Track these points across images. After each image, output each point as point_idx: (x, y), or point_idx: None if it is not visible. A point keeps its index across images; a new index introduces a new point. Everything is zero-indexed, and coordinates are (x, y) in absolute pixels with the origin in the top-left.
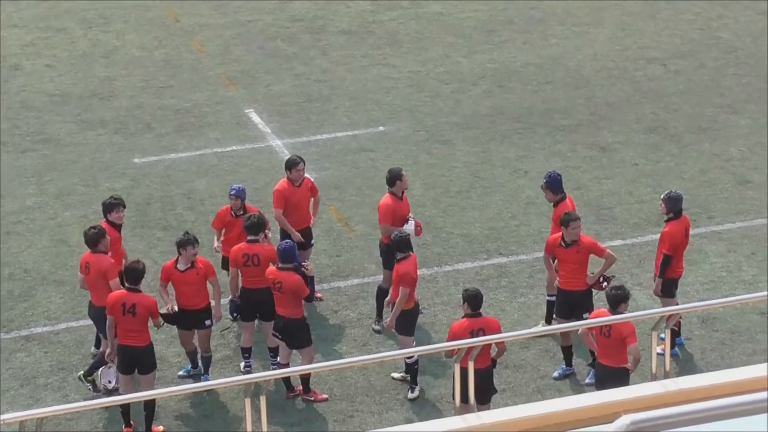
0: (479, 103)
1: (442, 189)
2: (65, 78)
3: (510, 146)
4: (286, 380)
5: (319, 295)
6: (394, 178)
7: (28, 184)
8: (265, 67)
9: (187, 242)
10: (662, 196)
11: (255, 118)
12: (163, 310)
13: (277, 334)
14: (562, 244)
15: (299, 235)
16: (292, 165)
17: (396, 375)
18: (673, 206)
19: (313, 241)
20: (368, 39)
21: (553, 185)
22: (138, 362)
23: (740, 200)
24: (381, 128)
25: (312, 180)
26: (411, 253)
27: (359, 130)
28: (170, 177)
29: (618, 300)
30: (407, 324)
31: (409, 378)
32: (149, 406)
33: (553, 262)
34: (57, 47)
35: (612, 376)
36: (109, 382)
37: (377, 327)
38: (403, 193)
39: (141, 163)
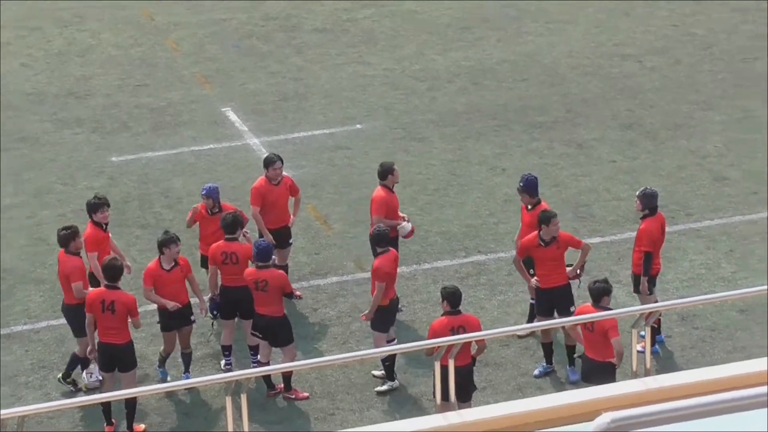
0: (455, 100)
1: (419, 186)
2: (41, 77)
3: (486, 144)
4: (267, 378)
5: (298, 293)
6: (386, 172)
7: (6, 183)
8: (240, 66)
9: (169, 241)
10: (637, 193)
11: (231, 116)
12: (170, 307)
13: (258, 333)
14: (541, 243)
15: (271, 236)
16: (269, 163)
17: (377, 372)
18: (649, 203)
19: (291, 240)
20: (343, 37)
21: (530, 188)
22: (118, 360)
23: (717, 197)
24: (357, 126)
25: (292, 179)
26: (390, 248)
27: (335, 128)
28: (147, 175)
29: (601, 293)
30: (381, 321)
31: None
32: (130, 404)
33: (531, 271)
34: (32, 46)
35: (598, 369)
36: (94, 380)
37: None
38: (393, 186)
39: (118, 162)
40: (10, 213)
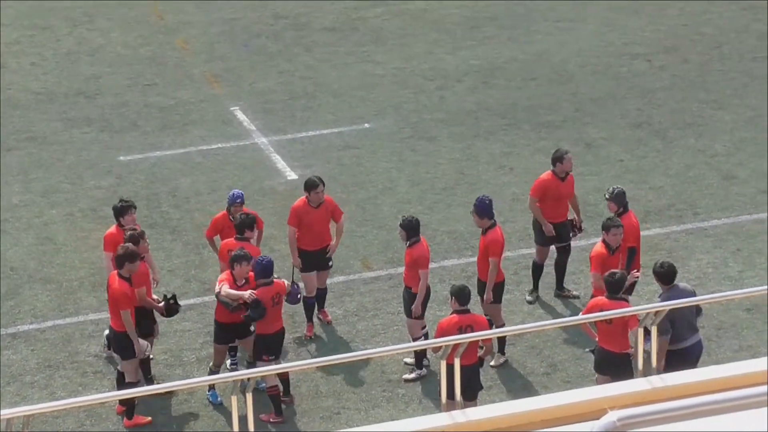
0: (464, 99)
1: (427, 186)
2: (50, 76)
3: (495, 143)
4: (277, 406)
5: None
6: (555, 159)
7: (14, 182)
8: (249, 65)
9: (242, 258)
10: (607, 196)
11: (240, 115)
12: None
13: (273, 356)
14: (609, 251)
15: (299, 261)
16: (311, 187)
17: (408, 360)
18: (621, 201)
19: (331, 263)
20: (352, 36)
21: (482, 210)
22: (115, 345)
23: (726, 196)
24: (366, 125)
25: (336, 203)
26: (421, 237)
27: (344, 127)
28: (155, 175)
29: (617, 284)
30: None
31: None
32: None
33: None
34: (42, 45)
35: (614, 360)
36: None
37: (530, 298)
38: (567, 174)
39: (126, 161)
40: (17, 212)
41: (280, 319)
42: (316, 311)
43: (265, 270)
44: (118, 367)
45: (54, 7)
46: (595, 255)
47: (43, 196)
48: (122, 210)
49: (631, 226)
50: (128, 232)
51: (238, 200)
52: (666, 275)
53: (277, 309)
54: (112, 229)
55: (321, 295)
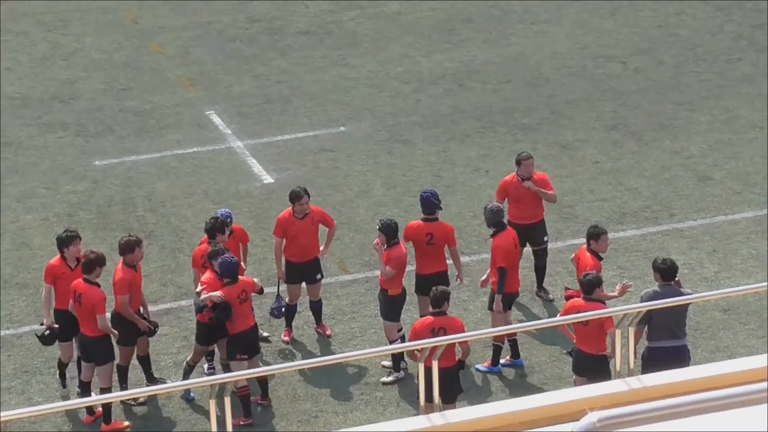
0: (439, 102)
1: (403, 189)
2: (25, 81)
3: (471, 145)
4: (246, 407)
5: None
6: (516, 162)
7: None
8: (224, 69)
9: (220, 253)
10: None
11: (215, 119)
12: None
13: (246, 355)
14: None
15: (283, 271)
16: (295, 198)
17: (386, 363)
18: (492, 220)
19: (319, 276)
20: (327, 39)
21: (428, 206)
22: (91, 352)
23: (701, 197)
24: (341, 128)
25: (324, 211)
26: (399, 240)
27: (320, 130)
28: (131, 179)
29: (592, 285)
30: (393, 310)
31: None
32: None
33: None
34: (16, 50)
35: (591, 362)
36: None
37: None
38: (528, 177)
39: (102, 166)
40: None
41: (250, 316)
42: (314, 325)
43: (229, 268)
44: (81, 377)
45: (28, 11)
46: (582, 261)
47: (19, 201)
48: (67, 240)
49: (498, 247)
50: (125, 237)
51: (228, 219)
52: (667, 271)
53: (245, 306)
54: (54, 260)
55: (317, 308)
